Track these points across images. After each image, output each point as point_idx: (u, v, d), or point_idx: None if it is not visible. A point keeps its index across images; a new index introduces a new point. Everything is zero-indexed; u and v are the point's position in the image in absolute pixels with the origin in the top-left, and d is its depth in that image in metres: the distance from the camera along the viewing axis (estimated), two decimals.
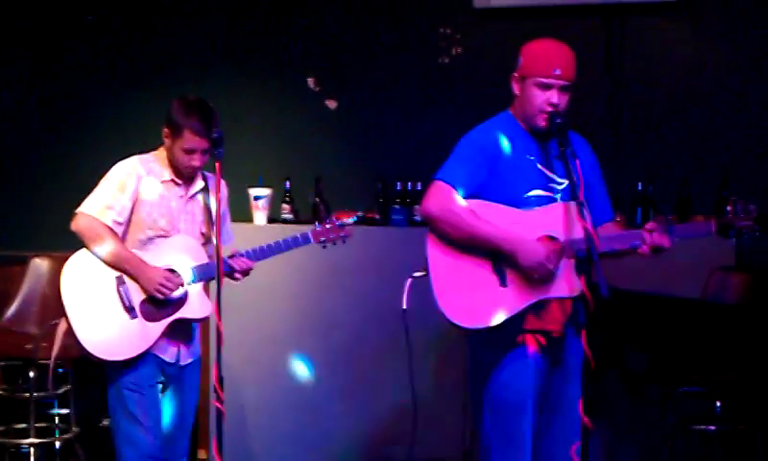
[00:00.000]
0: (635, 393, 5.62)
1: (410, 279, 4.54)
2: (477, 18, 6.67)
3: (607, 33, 6.48)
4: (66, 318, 4.59)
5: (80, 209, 4.64)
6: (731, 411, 5.49)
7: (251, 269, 4.77)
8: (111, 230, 4.61)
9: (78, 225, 4.63)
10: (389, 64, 6.87)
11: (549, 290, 4.19)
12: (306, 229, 4.91)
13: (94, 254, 4.61)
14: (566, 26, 6.34)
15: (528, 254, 4.14)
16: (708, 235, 4.30)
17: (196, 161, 4.64)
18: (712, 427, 5.50)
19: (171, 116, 4.63)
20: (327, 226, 4.92)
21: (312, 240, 4.88)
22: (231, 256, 4.70)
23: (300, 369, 6.25)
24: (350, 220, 4.99)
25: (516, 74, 4.31)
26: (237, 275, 4.73)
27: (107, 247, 4.60)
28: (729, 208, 4.26)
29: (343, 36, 6.94)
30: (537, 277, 4.15)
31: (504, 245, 4.17)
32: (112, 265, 4.61)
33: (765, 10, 6.28)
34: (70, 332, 4.61)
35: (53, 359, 5.34)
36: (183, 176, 4.72)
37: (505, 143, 4.29)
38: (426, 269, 4.27)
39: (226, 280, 4.55)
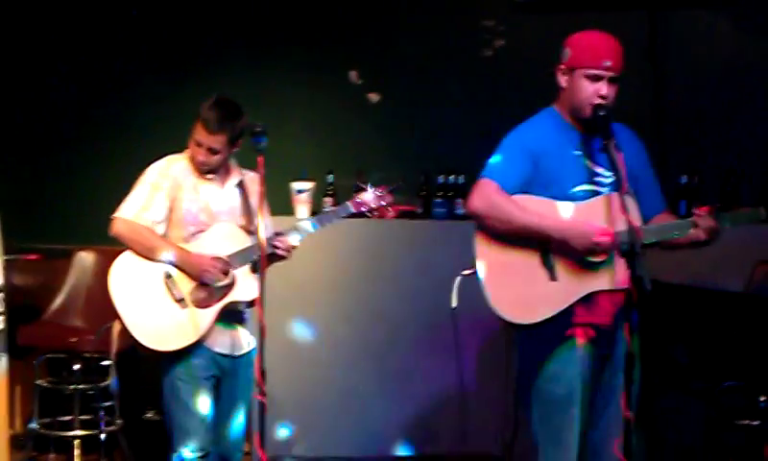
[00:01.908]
0: (678, 387, 5.58)
1: (459, 278, 4.53)
2: (520, 11, 6.65)
3: (650, 25, 6.44)
4: (119, 318, 4.65)
5: (116, 214, 4.69)
6: None
7: (293, 247, 4.77)
8: (149, 228, 4.66)
9: (117, 229, 4.69)
10: (431, 57, 6.86)
11: (597, 282, 4.19)
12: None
13: (137, 254, 4.66)
14: (609, 18, 6.28)
15: (579, 238, 4.12)
16: (759, 221, 4.26)
17: (201, 155, 4.68)
18: (756, 422, 5.46)
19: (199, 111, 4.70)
20: (367, 194, 4.91)
21: (353, 209, 4.87)
22: (274, 236, 4.72)
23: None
24: (390, 188, 4.95)
25: (562, 66, 4.29)
26: (280, 252, 4.74)
27: (147, 244, 4.65)
28: None
29: (385, 29, 6.94)
30: (593, 258, 4.13)
31: (554, 233, 4.16)
32: (156, 259, 4.66)
33: None
34: (124, 331, 4.67)
35: (113, 360, 5.45)
36: (214, 171, 4.75)
37: (549, 140, 4.28)
38: (474, 266, 4.28)
39: (270, 266, 4.57)
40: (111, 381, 6.10)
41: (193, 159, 4.73)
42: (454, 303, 4.54)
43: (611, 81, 4.23)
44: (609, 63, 4.21)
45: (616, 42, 4.29)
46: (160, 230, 4.69)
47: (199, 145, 4.67)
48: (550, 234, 4.17)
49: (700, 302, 5.40)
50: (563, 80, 4.30)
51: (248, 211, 4.80)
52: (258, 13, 7.11)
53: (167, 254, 4.65)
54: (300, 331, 6.28)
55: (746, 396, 5.45)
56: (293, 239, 4.77)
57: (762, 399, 5.40)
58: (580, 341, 4.24)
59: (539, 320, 4.20)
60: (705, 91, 6.42)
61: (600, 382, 4.31)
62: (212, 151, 4.67)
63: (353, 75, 6.96)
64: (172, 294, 4.66)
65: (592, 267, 4.19)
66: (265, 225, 4.85)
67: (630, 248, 3.93)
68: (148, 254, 4.66)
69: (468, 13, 6.79)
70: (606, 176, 4.26)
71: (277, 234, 4.73)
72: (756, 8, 6.32)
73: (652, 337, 5.34)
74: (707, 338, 5.40)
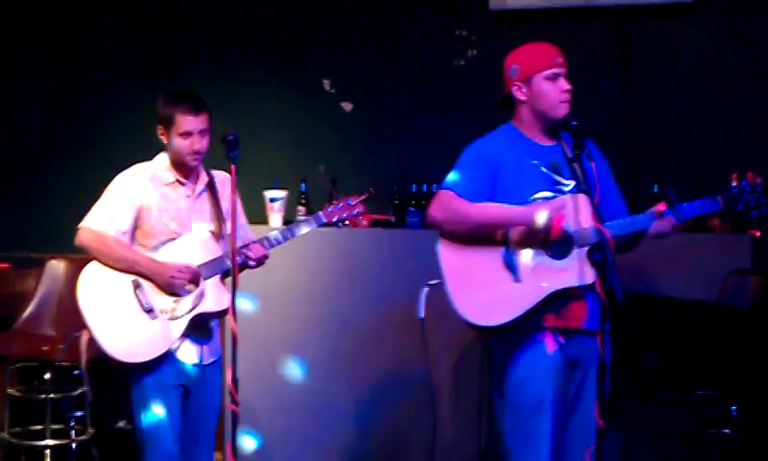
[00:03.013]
0: (650, 395, 5.60)
1: (426, 288, 4.55)
2: (493, 20, 6.66)
3: (622, 34, 6.47)
4: (87, 328, 4.62)
5: (82, 224, 4.68)
6: (747, 415, 5.46)
7: (265, 257, 4.77)
8: (115, 238, 4.64)
9: (81, 240, 4.68)
10: (404, 66, 6.87)
11: (562, 280, 4.21)
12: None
13: (104, 264, 4.64)
14: (582, 28, 6.35)
15: (541, 215, 4.15)
16: (717, 210, 4.32)
17: (196, 144, 4.66)
18: (728, 431, 5.48)
19: (160, 111, 4.71)
20: (338, 204, 4.91)
21: (324, 219, 4.86)
22: (245, 246, 4.70)
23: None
24: (361, 197, 4.95)
25: (516, 82, 4.37)
26: (251, 262, 4.73)
27: (113, 255, 4.63)
28: (734, 184, 4.28)
29: (358, 38, 6.95)
30: (558, 227, 4.17)
31: (516, 219, 4.21)
32: (123, 270, 4.63)
33: None
34: (93, 342, 4.65)
35: (84, 369, 5.42)
36: (189, 169, 4.73)
37: (507, 151, 4.35)
38: (441, 276, 4.30)
39: (243, 274, 4.56)
40: (83, 390, 6.08)
41: (183, 156, 4.68)
42: (421, 314, 4.54)
43: (565, 77, 4.34)
44: (560, 60, 4.36)
45: (554, 44, 4.43)
46: (126, 239, 4.67)
47: (188, 134, 4.64)
48: (514, 221, 4.20)
49: (672, 311, 5.42)
50: (520, 94, 4.37)
51: (219, 216, 4.79)
52: (231, 21, 7.12)
53: (135, 268, 4.63)
54: (273, 341, 6.26)
55: (719, 405, 5.47)
56: (264, 248, 4.76)
57: (734, 408, 5.42)
58: (550, 347, 4.27)
59: (506, 321, 4.22)
60: (676, 100, 6.44)
61: (570, 389, 4.34)
62: (203, 132, 4.66)
63: (327, 83, 6.96)
64: (141, 304, 4.63)
65: (555, 264, 4.22)
66: (243, 229, 4.88)
67: (601, 257, 3.96)
68: (114, 265, 4.64)
69: (441, 23, 6.80)
70: (565, 183, 4.31)
71: (245, 247, 4.71)
72: (727, 17, 6.35)
73: (624, 346, 5.37)
74: (679, 348, 5.42)
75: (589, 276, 4.15)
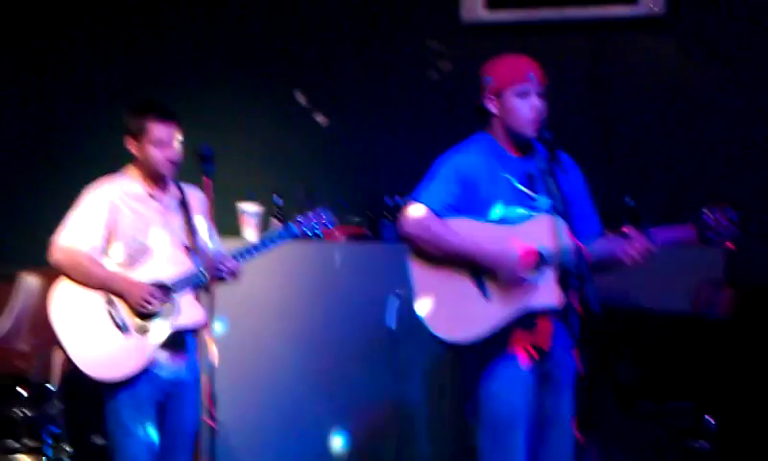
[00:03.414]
0: (626, 407, 5.62)
1: (394, 298, 4.56)
2: (466, 33, 6.68)
3: (595, 47, 6.50)
4: (61, 346, 4.59)
5: (54, 240, 4.65)
6: (722, 426, 5.49)
7: (238, 270, 4.74)
8: (89, 255, 4.61)
9: (55, 258, 4.65)
10: (377, 79, 6.87)
11: (532, 301, 4.21)
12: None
13: (76, 282, 4.61)
14: (554, 41, 6.37)
15: (505, 270, 4.16)
16: (689, 240, 4.30)
17: (171, 151, 4.64)
18: (704, 442, 5.50)
19: (128, 122, 4.71)
20: (309, 215, 4.89)
21: (296, 231, 4.85)
22: (219, 261, 4.69)
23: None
24: (332, 209, 4.96)
25: (488, 95, 4.35)
26: (226, 276, 4.71)
27: (87, 273, 4.61)
28: (706, 212, 4.27)
29: (331, 50, 6.94)
30: (514, 284, 4.17)
31: (481, 258, 4.19)
32: (96, 289, 4.61)
33: (750, 26, 6.31)
34: (67, 360, 4.62)
35: (56, 387, 5.41)
36: (163, 180, 4.71)
37: (481, 162, 4.33)
38: (410, 287, 4.31)
39: (218, 289, 4.55)
40: (54, 407, 6.05)
41: (159, 166, 4.66)
42: (392, 323, 4.55)
43: (539, 95, 4.29)
44: (533, 76, 4.31)
45: (533, 60, 4.37)
46: (97, 254, 4.65)
47: (161, 143, 4.63)
48: (477, 261, 4.20)
49: (646, 323, 5.45)
50: (492, 106, 4.36)
51: (190, 229, 4.77)
52: (204, 35, 7.10)
53: (108, 286, 4.61)
54: (249, 356, 6.25)
55: (694, 416, 5.50)
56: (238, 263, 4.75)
57: (710, 418, 5.45)
58: (522, 362, 4.27)
59: (473, 339, 4.22)
60: (648, 114, 6.47)
61: (544, 403, 4.35)
62: (176, 140, 4.65)
63: (301, 97, 6.95)
64: (114, 321, 4.61)
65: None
66: (215, 243, 4.86)
67: (576, 269, 3.97)
68: (87, 283, 4.61)
69: (414, 35, 6.81)
70: (539, 198, 4.30)
71: (219, 261, 4.70)
72: (697, 31, 6.39)
73: (600, 358, 5.39)
74: (654, 359, 5.45)
75: (558, 298, 4.16)
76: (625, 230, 4.29)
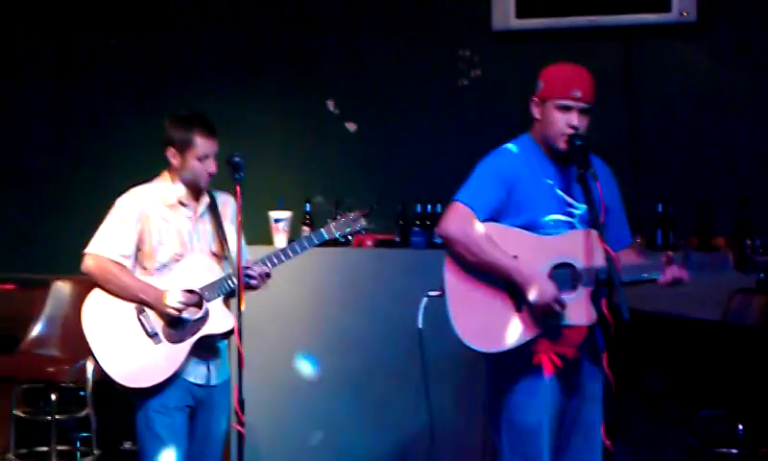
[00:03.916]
0: (655, 415, 5.59)
1: (425, 299, 4.54)
2: (496, 40, 6.67)
3: (626, 54, 6.48)
4: (92, 356, 4.63)
5: (86, 250, 4.70)
6: (752, 434, 5.45)
7: (267, 275, 4.75)
8: (119, 264, 4.65)
9: (87, 266, 4.70)
10: (408, 87, 6.88)
11: (564, 319, 4.19)
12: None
13: (107, 291, 4.65)
14: (585, 47, 6.35)
15: (538, 293, 4.14)
16: (726, 269, 4.28)
17: (212, 166, 4.69)
18: (734, 451, 5.47)
19: (173, 133, 4.70)
20: (340, 219, 4.88)
21: (327, 236, 4.82)
22: (247, 266, 4.70)
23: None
24: (363, 212, 4.92)
25: (535, 98, 4.34)
26: (253, 281, 4.72)
27: (117, 282, 4.64)
28: (747, 243, 4.23)
29: (362, 59, 6.96)
30: (545, 313, 4.16)
31: (517, 279, 4.18)
32: (127, 298, 4.64)
33: None
34: (98, 369, 4.65)
35: (89, 394, 5.45)
36: (199, 191, 4.74)
37: (523, 167, 4.31)
38: (443, 289, 4.29)
39: (247, 295, 4.55)
40: (88, 413, 6.09)
41: (199, 179, 4.70)
42: (420, 324, 4.53)
43: (582, 112, 4.27)
44: (578, 94, 4.25)
45: (587, 74, 4.34)
46: (129, 263, 4.68)
47: (205, 157, 4.67)
48: (513, 278, 4.19)
49: (676, 330, 5.41)
50: (536, 111, 4.35)
51: (221, 236, 4.79)
52: (235, 43, 7.13)
53: (138, 296, 4.64)
54: (278, 361, 6.26)
55: (724, 424, 5.46)
56: (267, 267, 4.75)
57: (741, 427, 5.41)
58: (547, 371, 4.25)
59: (502, 349, 4.21)
60: (679, 120, 6.45)
61: (568, 411, 4.33)
62: (216, 156, 4.69)
63: (331, 104, 6.97)
64: (145, 329, 4.64)
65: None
66: (243, 251, 4.87)
67: (608, 277, 3.96)
68: (118, 293, 4.65)
69: (444, 43, 6.81)
70: (577, 207, 4.29)
71: (247, 267, 4.70)
72: (729, 37, 6.36)
73: (629, 365, 5.37)
74: (683, 366, 5.42)
75: (593, 315, 4.13)
76: (666, 256, 4.26)
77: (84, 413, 6.13)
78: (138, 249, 4.70)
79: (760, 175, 6.27)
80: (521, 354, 4.22)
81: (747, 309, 5.59)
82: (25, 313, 6.56)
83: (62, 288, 6.52)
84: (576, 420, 4.31)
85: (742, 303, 5.59)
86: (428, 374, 4.64)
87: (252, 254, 4.93)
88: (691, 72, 6.45)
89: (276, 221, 6.36)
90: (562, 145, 4.26)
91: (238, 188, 4.42)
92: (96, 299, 4.67)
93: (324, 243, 4.84)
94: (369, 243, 6.29)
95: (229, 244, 4.78)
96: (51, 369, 6.09)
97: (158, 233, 4.70)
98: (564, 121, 4.25)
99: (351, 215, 4.87)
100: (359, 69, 6.97)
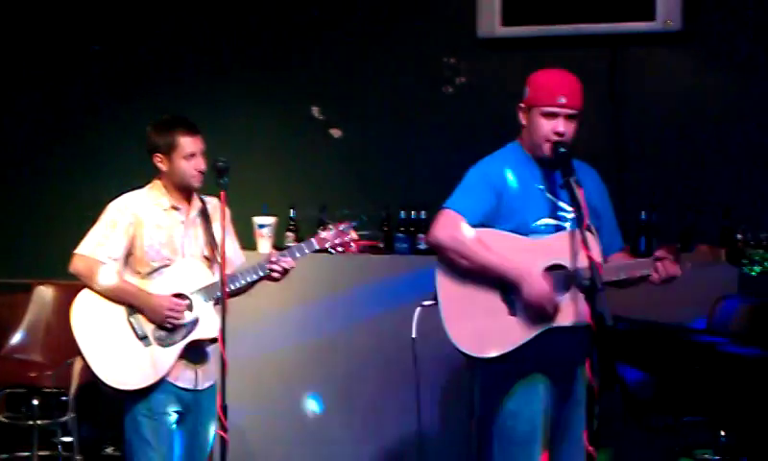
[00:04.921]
0: (639, 421, 5.60)
1: (419, 308, 4.54)
2: (481, 48, 6.68)
3: (611, 62, 6.49)
4: (81, 355, 4.62)
5: (75, 251, 4.69)
6: (735, 441, 5.46)
7: (291, 268, 4.73)
8: (108, 266, 4.64)
9: (75, 266, 4.68)
10: (393, 93, 6.88)
11: (558, 319, 4.20)
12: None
13: (96, 292, 4.64)
14: (571, 55, 6.33)
15: (532, 289, 4.15)
16: (719, 263, 4.30)
17: (201, 164, 4.68)
18: (717, 458, 5.48)
19: (155, 139, 4.70)
20: (330, 231, 4.88)
21: (317, 246, 4.82)
22: (270, 260, 4.69)
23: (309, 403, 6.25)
24: (353, 224, 4.92)
25: (522, 104, 4.35)
26: (276, 274, 4.71)
27: (106, 284, 4.62)
28: (739, 237, 4.24)
29: (347, 65, 6.96)
30: (538, 311, 4.17)
31: (510, 275, 4.18)
32: (116, 300, 4.63)
33: (766, 41, 6.29)
34: (86, 369, 4.64)
35: (72, 396, 5.39)
36: (189, 193, 4.73)
37: (513, 173, 4.32)
38: (435, 297, 4.29)
39: (231, 302, 4.55)
40: (70, 417, 6.06)
41: (189, 178, 4.68)
42: (414, 334, 4.53)
43: (568, 118, 4.27)
44: (563, 100, 4.26)
45: (574, 80, 4.35)
46: (118, 267, 4.66)
47: (192, 156, 4.66)
48: (507, 276, 4.20)
49: (660, 337, 5.42)
50: (523, 117, 4.36)
51: (212, 241, 4.78)
52: (220, 49, 7.13)
53: (127, 299, 4.63)
54: (262, 367, 6.26)
55: (707, 430, 5.47)
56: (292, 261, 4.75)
57: (723, 433, 5.42)
58: (539, 378, 4.26)
59: (495, 355, 4.21)
60: (664, 128, 6.46)
61: (559, 418, 4.33)
62: (203, 153, 4.68)
63: (315, 110, 6.97)
64: (135, 331, 4.63)
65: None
66: (235, 253, 4.88)
67: (591, 284, 3.96)
68: (107, 294, 4.64)
69: (430, 50, 6.81)
70: (567, 211, 4.30)
71: (270, 261, 4.70)
72: (715, 44, 6.38)
73: (612, 372, 5.37)
74: (667, 373, 5.42)
75: (585, 314, 4.13)
76: (657, 253, 4.27)
77: (65, 418, 6.11)
78: (130, 253, 4.69)
79: (744, 183, 6.28)
80: (515, 361, 4.22)
81: (730, 316, 5.60)
82: (7, 318, 6.54)
83: (45, 293, 6.50)
84: (567, 426, 4.32)
85: (725, 310, 5.60)
86: (419, 382, 4.65)
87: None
88: (676, 80, 6.47)
89: (261, 226, 6.36)
90: (547, 152, 4.27)
91: (223, 193, 4.41)
92: (86, 299, 4.65)
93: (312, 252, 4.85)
94: (353, 249, 6.28)
95: (220, 248, 4.77)
96: (33, 374, 6.07)
97: (151, 238, 4.68)
98: (549, 127, 4.26)
99: (341, 226, 4.87)
100: (344, 76, 6.97)
